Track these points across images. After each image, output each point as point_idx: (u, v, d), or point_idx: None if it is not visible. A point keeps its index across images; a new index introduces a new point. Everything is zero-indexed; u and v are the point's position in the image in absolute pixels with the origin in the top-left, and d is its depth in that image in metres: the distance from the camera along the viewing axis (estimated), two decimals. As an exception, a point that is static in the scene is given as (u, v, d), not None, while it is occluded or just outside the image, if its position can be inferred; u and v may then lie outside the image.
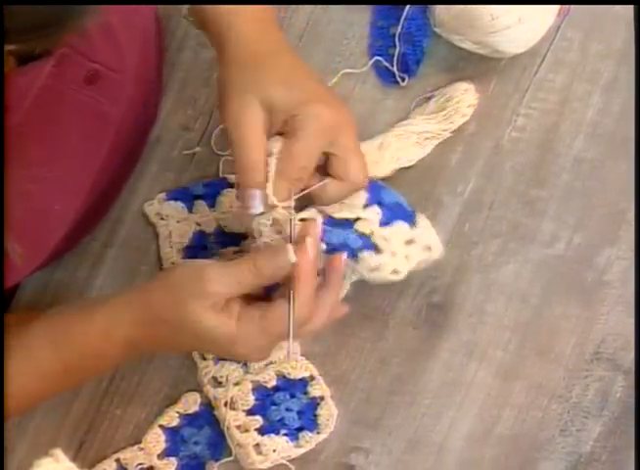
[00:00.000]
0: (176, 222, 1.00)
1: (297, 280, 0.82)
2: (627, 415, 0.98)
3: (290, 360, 0.97)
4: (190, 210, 1.00)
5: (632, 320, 0.98)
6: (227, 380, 0.98)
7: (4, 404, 0.83)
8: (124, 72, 0.87)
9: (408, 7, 1.00)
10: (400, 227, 0.92)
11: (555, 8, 0.98)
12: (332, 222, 0.88)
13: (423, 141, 0.99)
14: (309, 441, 0.98)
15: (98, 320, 0.85)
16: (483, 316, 0.99)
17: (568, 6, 1.00)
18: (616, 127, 1.00)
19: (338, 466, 0.99)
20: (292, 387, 0.98)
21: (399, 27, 1.00)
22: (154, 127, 1.01)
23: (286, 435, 0.97)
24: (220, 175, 1.01)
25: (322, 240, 0.87)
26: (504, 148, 1.00)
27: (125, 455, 0.98)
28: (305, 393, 0.98)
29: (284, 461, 0.98)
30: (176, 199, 1.00)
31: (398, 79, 1.00)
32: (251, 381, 0.98)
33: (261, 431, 0.97)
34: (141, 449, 0.98)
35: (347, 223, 0.89)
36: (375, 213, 0.90)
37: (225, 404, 0.97)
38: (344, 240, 0.89)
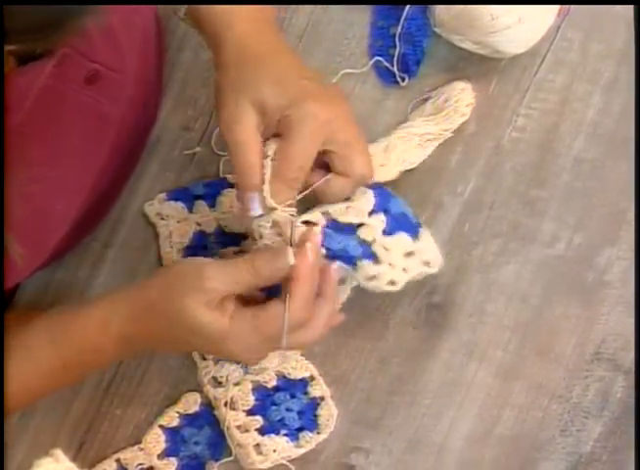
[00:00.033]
0: (176, 222, 1.00)
1: (293, 282, 0.82)
2: (628, 415, 0.98)
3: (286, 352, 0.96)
4: (190, 210, 1.00)
5: (632, 320, 0.98)
6: (227, 380, 0.98)
7: (4, 401, 0.83)
8: (124, 73, 0.87)
9: (408, 7, 1.00)
10: (402, 239, 0.92)
11: (555, 8, 0.98)
12: (335, 226, 0.88)
13: (424, 142, 0.99)
14: (309, 441, 0.98)
15: (96, 315, 0.86)
16: (484, 316, 0.99)
17: (568, 6, 1.00)
18: (616, 127, 1.00)
19: (338, 466, 0.99)
20: (292, 387, 0.98)
21: (399, 27, 1.00)
22: (154, 127, 1.01)
23: (286, 435, 0.97)
24: (220, 175, 1.01)
25: (322, 245, 0.87)
26: (504, 148, 1.00)
27: (125, 455, 0.98)
28: (306, 393, 0.98)
29: (284, 461, 0.98)
30: (176, 199, 1.00)
31: (398, 79, 1.00)
32: (252, 381, 0.98)
33: (261, 431, 0.97)
34: (141, 450, 0.98)
35: (350, 228, 0.89)
36: (380, 221, 0.91)
37: (225, 404, 0.97)
38: (345, 247, 0.88)
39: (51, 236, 0.89)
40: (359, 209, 0.90)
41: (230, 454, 0.98)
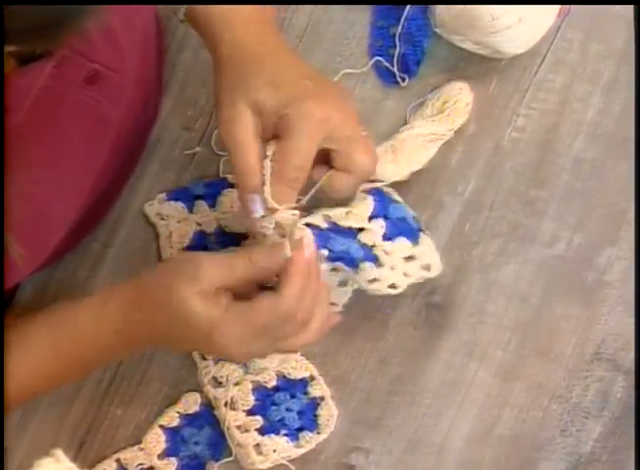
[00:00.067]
0: (177, 222, 1.00)
1: (287, 273, 0.82)
2: (627, 415, 0.98)
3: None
4: (190, 210, 1.00)
5: (632, 320, 0.98)
6: (227, 380, 0.98)
7: (4, 398, 0.83)
8: (125, 73, 0.87)
9: (408, 7, 1.00)
10: (402, 244, 0.92)
11: (555, 8, 0.98)
12: (336, 229, 0.89)
13: (428, 143, 0.98)
14: (309, 441, 0.98)
15: (93, 302, 0.87)
16: (483, 316, 0.99)
17: (568, 6, 1.00)
18: (616, 127, 1.00)
19: (338, 466, 0.99)
20: (292, 387, 0.98)
21: (400, 28, 1.00)
22: (154, 128, 1.01)
23: (286, 435, 0.97)
24: (221, 175, 1.01)
25: (325, 247, 0.87)
26: (504, 148, 1.00)
27: (126, 455, 0.98)
28: (306, 393, 0.98)
29: (284, 461, 0.98)
30: (177, 199, 1.00)
31: (399, 80, 1.00)
32: (252, 381, 0.98)
33: (261, 431, 0.97)
34: (141, 450, 0.98)
35: (351, 232, 0.90)
36: (379, 227, 0.91)
37: (225, 404, 0.97)
38: (347, 249, 0.89)
39: (51, 236, 0.89)
40: (359, 214, 0.90)
41: (230, 454, 0.98)
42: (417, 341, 0.99)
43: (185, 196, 1.00)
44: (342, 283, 0.96)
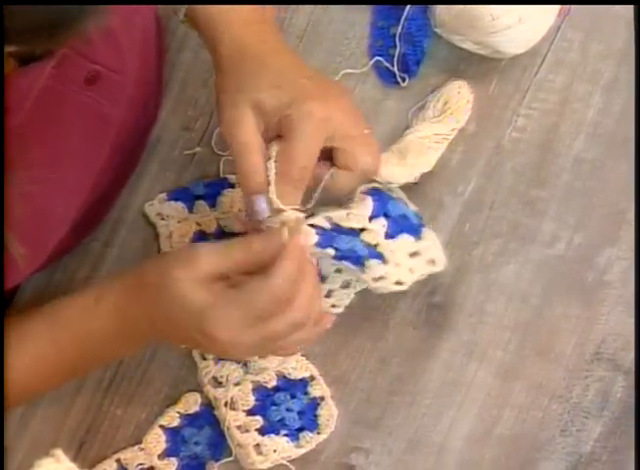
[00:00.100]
0: (177, 222, 1.00)
1: (281, 257, 0.82)
2: (628, 415, 0.98)
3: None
4: (190, 210, 1.00)
5: (632, 320, 0.98)
6: (227, 380, 0.98)
7: (3, 396, 0.83)
8: (125, 73, 0.87)
9: (408, 7, 1.00)
10: (405, 240, 0.92)
11: (555, 8, 0.98)
12: (339, 230, 0.89)
13: (434, 144, 0.98)
14: (310, 441, 0.98)
15: (91, 292, 0.88)
16: (484, 316, 0.99)
17: (568, 6, 1.00)
18: (616, 127, 1.00)
19: (338, 466, 0.99)
20: (292, 387, 0.98)
21: (400, 28, 1.00)
22: (154, 128, 1.01)
23: (286, 435, 0.97)
24: (221, 175, 1.01)
25: (330, 246, 0.87)
26: (504, 148, 1.00)
27: (126, 456, 0.98)
28: (306, 393, 0.98)
29: (284, 461, 0.98)
30: (177, 199, 1.00)
31: (399, 80, 1.00)
32: (252, 381, 0.98)
33: (262, 431, 0.97)
34: (141, 450, 0.98)
35: (354, 232, 0.90)
36: (381, 226, 0.91)
37: (225, 405, 0.97)
38: (353, 247, 0.89)
39: (51, 236, 0.89)
40: (359, 215, 0.90)
41: (230, 454, 0.98)
42: (417, 341, 0.99)
43: (185, 196, 1.00)
44: (345, 285, 0.96)
